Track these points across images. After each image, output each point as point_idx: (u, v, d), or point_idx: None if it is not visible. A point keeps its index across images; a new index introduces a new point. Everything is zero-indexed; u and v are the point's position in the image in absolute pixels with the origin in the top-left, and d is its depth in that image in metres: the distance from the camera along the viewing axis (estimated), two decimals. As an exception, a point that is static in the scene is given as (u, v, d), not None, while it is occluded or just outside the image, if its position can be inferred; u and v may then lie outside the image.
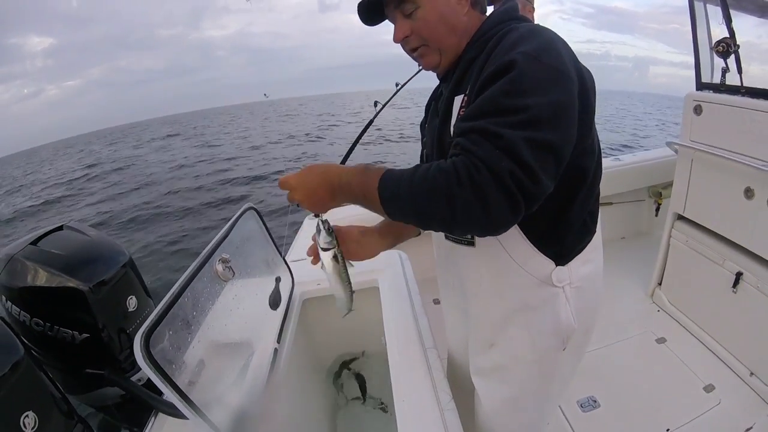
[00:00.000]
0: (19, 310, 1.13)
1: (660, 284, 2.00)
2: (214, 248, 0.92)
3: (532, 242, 0.73)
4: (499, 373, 0.86)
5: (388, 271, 1.34)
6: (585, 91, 0.64)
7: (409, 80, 1.88)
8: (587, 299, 0.80)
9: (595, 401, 1.54)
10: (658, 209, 2.50)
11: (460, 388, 1.04)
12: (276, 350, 1.06)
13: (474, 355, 0.92)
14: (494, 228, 0.56)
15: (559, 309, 0.76)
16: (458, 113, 0.71)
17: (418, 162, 1.08)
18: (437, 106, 0.83)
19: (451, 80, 0.77)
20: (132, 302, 1.21)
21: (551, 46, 0.62)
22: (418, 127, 1.00)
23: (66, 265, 1.14)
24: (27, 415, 0.83)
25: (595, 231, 0.81)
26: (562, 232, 0.74)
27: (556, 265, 0.75)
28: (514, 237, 0.72)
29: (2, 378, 0.81)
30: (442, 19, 0.74)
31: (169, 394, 0.67)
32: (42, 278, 1.13)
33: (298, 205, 0.76)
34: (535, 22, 1.75)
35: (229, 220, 1.04)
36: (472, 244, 0.78)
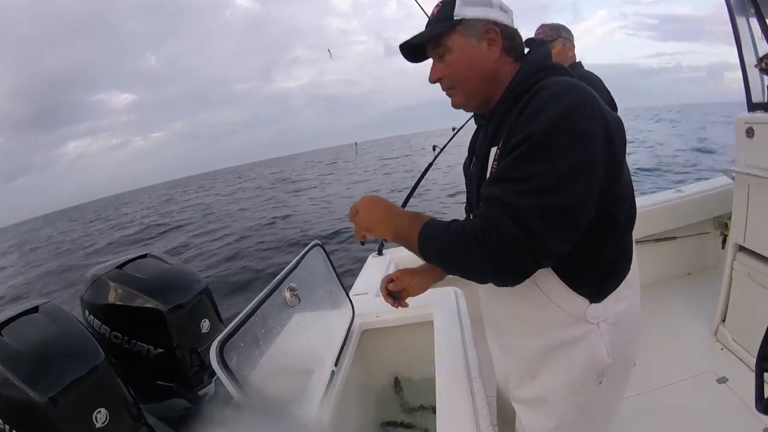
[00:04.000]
0: (100, 323, 1.31)
1: (723, 321, 1.86)
2: (284, 277, 1.05)
3: (566, 283, 0.77)
4: (539, 404, 0.88)
5: (442, 305, 1.40)
6: (612, 146, 0.68)
7: (464, 125, 1.93)
8: (623, 335, 0.82)
9: None
10: (724, 241, 2.30)
11: (506, 422, 1.10)
12: (333, 372, 1.16)
13: (515, 388, 0.95)
14: (502, 281, 0.67)
15: (594, 345, 0.78)
16: (492, 165, 0.77)
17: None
18: (477, 151, 0.88)
19: (486, 131, 0.83)
20: (205, 325, 1.37)
21: (576, 107, 0.66)
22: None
23: (147, 288, 1.31)
24: (100, 411, 0.99)
25: (629, 269, 0.83)
26: (594, 274, 0.78)
27: (591, 303, 0.77)
28: (549, 278, 0.77)
29: (81, 377, 0.98)
30: (471, 65, 0.78)
31: (236, 395, 0.76)
32: (124, 298, 1.30)
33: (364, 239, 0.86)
34: (578, 59, 1.76)
35: (298, 255, 1.19)
36: None
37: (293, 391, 1.03)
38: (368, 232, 0.82)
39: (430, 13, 0.84)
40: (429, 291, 1.02)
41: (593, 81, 1.60)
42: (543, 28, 1.77)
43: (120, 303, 1.30)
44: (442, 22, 0.78)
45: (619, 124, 0.72)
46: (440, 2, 0.80)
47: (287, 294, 1.04)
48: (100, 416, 0.98)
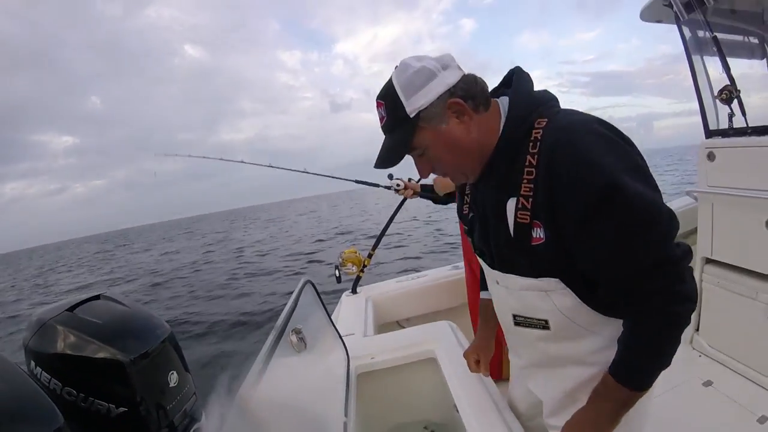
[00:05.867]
0: (49, 377, 1.08)
1: (698, 330, 1.97)
2: (288, 318, 0.93)
3: (600, 312, 0.75)
4: None
5: (442, 341, 1.35)
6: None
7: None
8: None
9: None
10: None
11: None
12: (345, 424, 1.04)
13: (552, 415, 0.91)
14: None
15: None
16: (515, 216, 0.72)
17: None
18: (484, 206, 0.83)
19: (491, 182, 0.77)
20: (173, 378, 1.16)
21: (615, 144, 0.67)
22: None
23: (105, 334, 1.11)
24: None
25: None
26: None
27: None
28: (585, 313, 0.76)
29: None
30: (453, 149, 0.73)
31: None
32: (78, 346, 1.10)
33: None
34: None
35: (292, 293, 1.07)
36: (547, 327, 0.80)
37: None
38: None
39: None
40: (423, 327, 0.98)
41: None
42: None
43: (73, 353, 1.10)
44: (401, 127, 0.71)
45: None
46: (379, 101, 0.73)
47: (293, 338, 0.94)
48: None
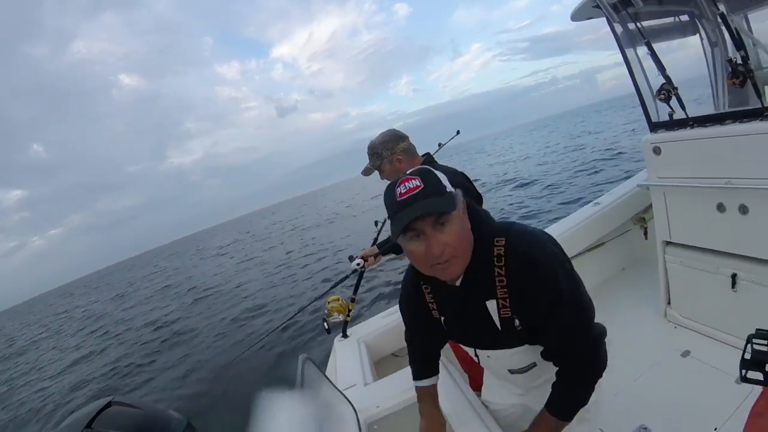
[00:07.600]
0: None
1: (669, 303, 2.13)
2: None
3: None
4: None
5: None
6: None
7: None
8: None
9: (646, 428, 1.59)
10: (645, 232, 2.65)
11: None
12: None
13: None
14: None
15: None
16: (499, 312, 0.97)
17: None
18: (460, 309, 1.04)
19: (469, 288, 0.97)
20: None
21: (559, 260, 0.95)
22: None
23: None
24: None
25: None
26: None
27: None
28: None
29: None
30: (465, 236, 0.90)
31: None
32: (106, 463, 1.13)
33: None
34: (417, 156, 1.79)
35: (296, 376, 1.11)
36: (535, 365, 1.14)
37: None
38: None
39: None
40: None
41: (453, 175, 1.58)
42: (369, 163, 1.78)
43: (98, 470, 1.14)
44: (444, 195, 0.86)
45: None
46: (412, 176, 0.87)
47: None
48: None
